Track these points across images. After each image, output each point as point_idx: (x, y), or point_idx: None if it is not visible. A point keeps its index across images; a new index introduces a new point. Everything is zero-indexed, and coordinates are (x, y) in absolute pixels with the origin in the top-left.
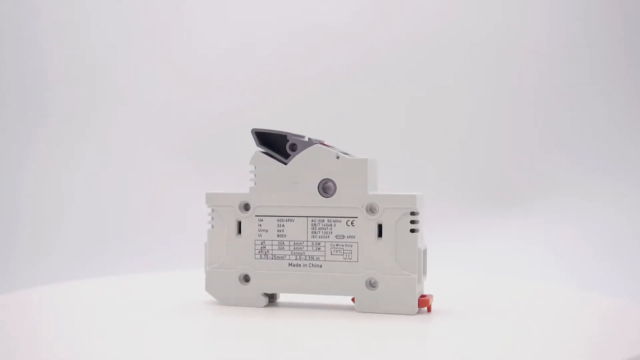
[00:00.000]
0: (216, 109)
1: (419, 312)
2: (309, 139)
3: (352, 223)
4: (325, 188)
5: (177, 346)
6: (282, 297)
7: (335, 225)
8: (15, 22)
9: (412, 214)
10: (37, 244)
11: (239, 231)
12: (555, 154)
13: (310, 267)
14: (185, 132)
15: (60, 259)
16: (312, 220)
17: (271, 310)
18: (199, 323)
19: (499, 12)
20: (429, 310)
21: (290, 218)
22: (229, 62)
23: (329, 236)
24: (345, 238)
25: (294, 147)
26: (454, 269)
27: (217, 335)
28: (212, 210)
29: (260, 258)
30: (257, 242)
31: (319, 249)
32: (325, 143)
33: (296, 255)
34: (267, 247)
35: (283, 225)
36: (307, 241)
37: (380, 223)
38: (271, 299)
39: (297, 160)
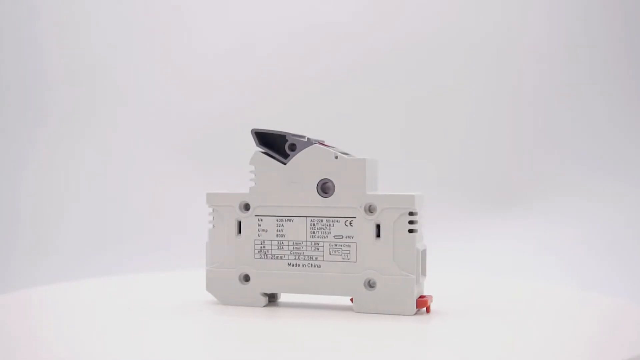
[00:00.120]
0: (216, 109)
1: (417, 313)
2: (308, 139)
3: (350, 223)
4: (324, 188)
5: (177, 346)
6: (282, 297)
7: (333, 225)
8: (15, 22)
9: (411, 214)
10: (37, 244)
11: (239, 231)
12: (555, 154)
13: (309, 267)
14: (185, 132)
15: (60, 259)
16: (311, 220)
17: (271, 310)
18: (199, 323)
19: (499, 12)
20: (427, 310)
21: (289, 218)
22: (229, 62)
23: (327, 236)
24: (344, 238)
25: (293, 147)
26: (453, 269)
27: (217, 335)
28: (213, 210)
29: (260, 258)
30: (256, 242)
31: (318, 249)
32: (325, 143)
33: (295, 255)
34: (267, 247)
35: (282, 225)
36: (306, 241)
37: (378, 223)
38: (272, 298)
39: (296, 160)
